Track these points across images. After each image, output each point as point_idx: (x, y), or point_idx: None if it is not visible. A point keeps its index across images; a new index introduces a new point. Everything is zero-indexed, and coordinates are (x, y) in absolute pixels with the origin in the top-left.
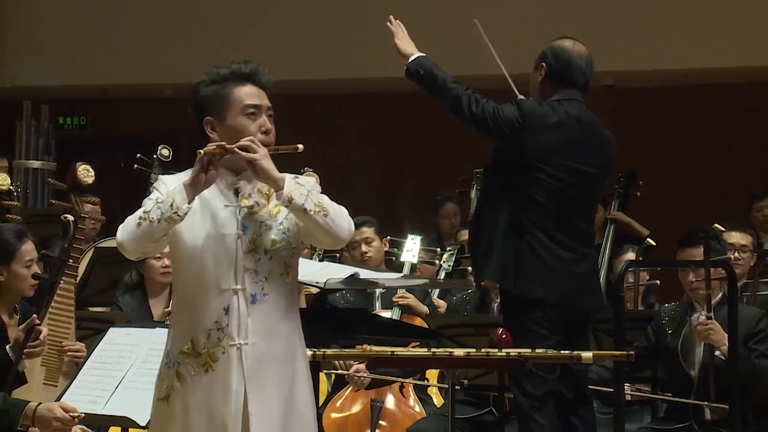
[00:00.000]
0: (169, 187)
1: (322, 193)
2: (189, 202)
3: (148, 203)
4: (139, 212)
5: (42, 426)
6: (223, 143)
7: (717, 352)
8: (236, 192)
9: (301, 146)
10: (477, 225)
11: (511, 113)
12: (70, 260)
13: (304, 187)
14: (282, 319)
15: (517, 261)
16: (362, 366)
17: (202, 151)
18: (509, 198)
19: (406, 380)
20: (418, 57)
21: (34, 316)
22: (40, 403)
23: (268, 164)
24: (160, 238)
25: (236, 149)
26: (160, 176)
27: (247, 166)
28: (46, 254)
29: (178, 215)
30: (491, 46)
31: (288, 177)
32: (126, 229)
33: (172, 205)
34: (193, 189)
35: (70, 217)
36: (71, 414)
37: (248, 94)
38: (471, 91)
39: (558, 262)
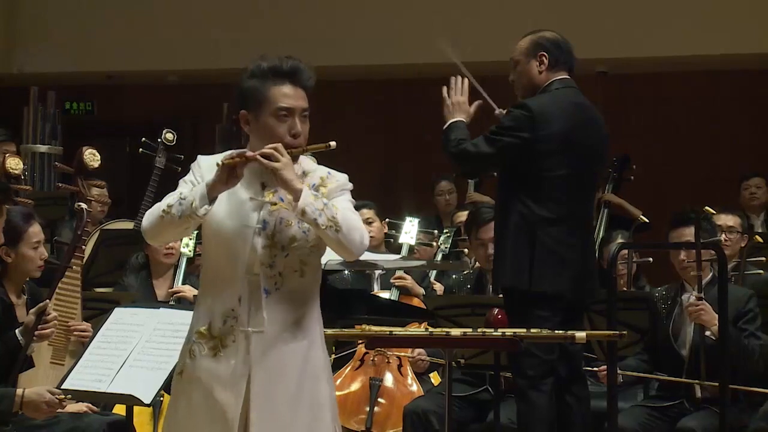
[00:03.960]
0: (202, 170)
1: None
2: (210, 203)
3: (176, 192)
4: (164, 204)
5: (31, 410)
6: (244, 152)
7: (708, 333)
8: (263, 185)
9: (333, 143)
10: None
11: (516, 116)
12: (83, 246)
13: (321, 200)
14: (294, 311)
15: (531, 260)
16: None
17: (221, 162)
18: (517, 194)
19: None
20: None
21: (47, 301)
22: (24, 389)
23: (289, 175)
24: (181, 231)
25: (258, 158)
26: (199, 156)
27: (269, 173)
28: (59, 241)
29: (196, 215)
30: (459, 62)
31: (306, 189)
32: (150, 217)
33: (192, 205)
34: (214, 191)
35: (84, 206)
36: (58, 396)
37: (284, 94)
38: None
39: (569, 251)
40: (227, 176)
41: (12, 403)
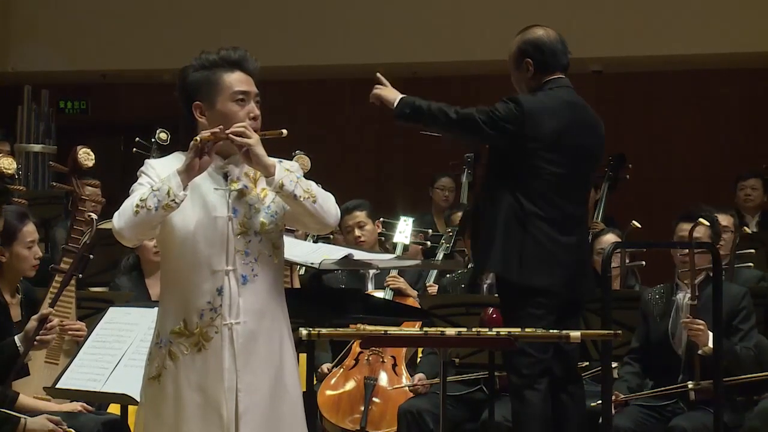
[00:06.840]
0: (157, 171)
1: (309, 178)
2: (184, 188)
3: (142, 190)
4: (135, 200)
5: None
6: (217, 130)
7: (700, 352)
8: (225, 176)
9: (285, 131)
10: (476, 218)
11: (509, 109)
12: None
13: (293, 173)
14: (270, 298)
15: (520, 252)
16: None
17: (198, 138)
18: (509, 189)
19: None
20: (400, 99)
21: (50, 309)
22: (26, 419)
23: (260, 150)
24: (157, 225)
25: (230, 135)
26: (147, 161)
27: (238, 151)
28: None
29: (175, 202)
30: None
31: (277, 163)
32: (123, 217)
33: (168, 193)
34: (188, 175)
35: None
36: (61, 427)
37: (237, 80)
38: (455, 108)
39: (561, 249)
40: (198, 158)
41: (15, 429)
